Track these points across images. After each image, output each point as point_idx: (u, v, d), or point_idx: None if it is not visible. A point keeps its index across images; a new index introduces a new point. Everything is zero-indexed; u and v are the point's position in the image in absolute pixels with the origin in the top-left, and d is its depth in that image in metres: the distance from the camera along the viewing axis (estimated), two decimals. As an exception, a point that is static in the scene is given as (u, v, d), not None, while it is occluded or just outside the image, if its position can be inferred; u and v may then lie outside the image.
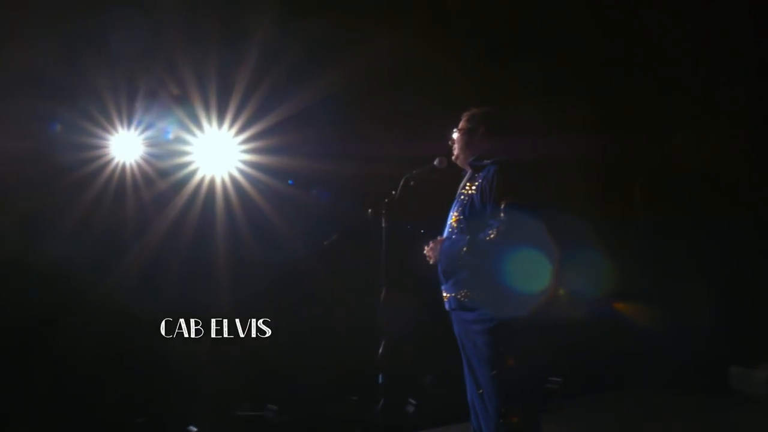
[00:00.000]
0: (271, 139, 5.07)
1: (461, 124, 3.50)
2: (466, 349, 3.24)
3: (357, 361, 4.92)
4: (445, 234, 3.37)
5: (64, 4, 4.48)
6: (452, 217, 3.36)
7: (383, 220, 3.65)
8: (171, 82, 4.82)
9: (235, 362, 5.31)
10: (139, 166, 5.09)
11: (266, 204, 5.20)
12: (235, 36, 4.74)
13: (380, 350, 3.57)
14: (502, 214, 3.06)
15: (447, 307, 3.33)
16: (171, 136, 4.89)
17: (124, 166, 5.09)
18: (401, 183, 3.61)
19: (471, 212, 3.24)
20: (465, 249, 3.14)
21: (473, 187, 3.27)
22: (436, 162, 3.58)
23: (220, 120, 5.02)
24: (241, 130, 5.08)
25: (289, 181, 5.33)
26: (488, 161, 3.26)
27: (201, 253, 5.21)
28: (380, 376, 3.57)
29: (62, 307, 5.00)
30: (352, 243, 4.75)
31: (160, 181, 5.11)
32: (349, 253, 4.98)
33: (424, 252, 3.36)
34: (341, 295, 5.28)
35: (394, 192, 3.61)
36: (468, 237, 3.16)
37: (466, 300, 3.18)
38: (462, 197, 3.34)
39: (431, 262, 3.33)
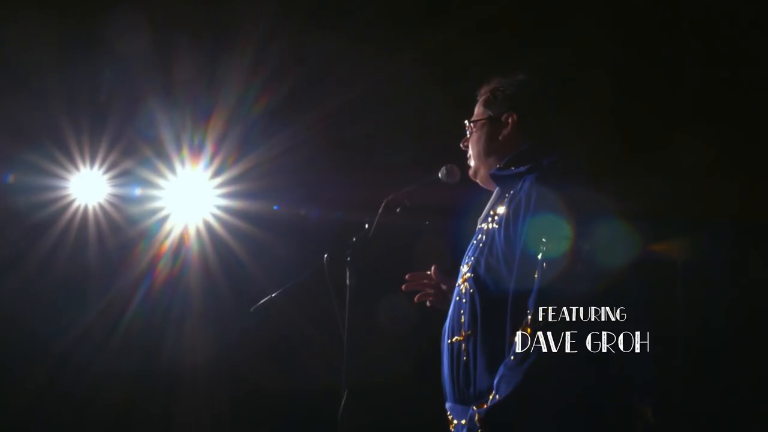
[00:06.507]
0: (251, 182, 4.48)
1: (476, 111, 2.13)
2: None
3: None
4: (452, 306, 1.94)
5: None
6: (461, 275, 1.94)
7: (348, 272, 2.42)
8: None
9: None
10: (103, 209, 4.53)
11: (246, 254, 4.61)
12: (209, 69, 4.15)
13: None
14: (537, 275, 1.67)
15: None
16: (138, 191, 4.31)
17: (86, 209, 4.53)
18: (380, 209, 2.37)
19: (488, 269, 1.81)
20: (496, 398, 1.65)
21: (496, 218, 1.89)
22: (441, 173, 2.32)
23: (194, 161, 4.44)
24: (217, 173, 4.49)
25: (275, 207, 4.72)
26: (523, 168, 1.90)
27: (173, 308, 4.67)
28: None
29: (17, 365, 4.53)
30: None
31: (128, 228, 4.56)
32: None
33: None
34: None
35: (367, 226, 2.39)
36: (484, 357, 1.74)
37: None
38: (479, 237, 1.94)
39: None
